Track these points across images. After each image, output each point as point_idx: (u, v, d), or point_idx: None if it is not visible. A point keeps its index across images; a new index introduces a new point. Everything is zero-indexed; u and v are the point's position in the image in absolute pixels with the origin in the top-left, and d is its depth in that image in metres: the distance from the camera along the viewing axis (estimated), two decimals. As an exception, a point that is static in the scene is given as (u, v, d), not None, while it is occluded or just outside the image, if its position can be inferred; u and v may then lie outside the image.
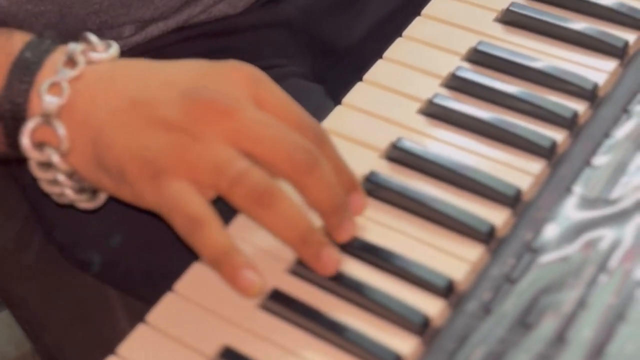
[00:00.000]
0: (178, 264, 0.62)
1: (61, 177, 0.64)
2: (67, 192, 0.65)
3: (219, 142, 0.59)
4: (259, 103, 0.60)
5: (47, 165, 0.64)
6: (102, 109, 0.61)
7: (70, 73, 0.63)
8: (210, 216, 0.59)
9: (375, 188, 0.65)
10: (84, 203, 0.67)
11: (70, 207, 0.68)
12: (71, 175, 0.64)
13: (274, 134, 0.59)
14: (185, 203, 0.59)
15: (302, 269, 0.61)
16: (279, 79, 0.86)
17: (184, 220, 0.59)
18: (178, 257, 0.64)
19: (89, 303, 0.88)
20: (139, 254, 0.81)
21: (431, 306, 0.59)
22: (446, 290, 0.60)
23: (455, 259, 0.62)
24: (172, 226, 0.60)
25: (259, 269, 0.59)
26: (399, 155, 0.67)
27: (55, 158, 0.63)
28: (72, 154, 0.63)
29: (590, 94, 0.69)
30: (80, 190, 0.65)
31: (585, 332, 0.57)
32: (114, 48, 0.65)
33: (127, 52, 0.84)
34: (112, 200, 0.67)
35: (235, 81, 0.60)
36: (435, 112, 0.69)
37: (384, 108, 0.70)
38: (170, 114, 0.59)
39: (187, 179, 0.59)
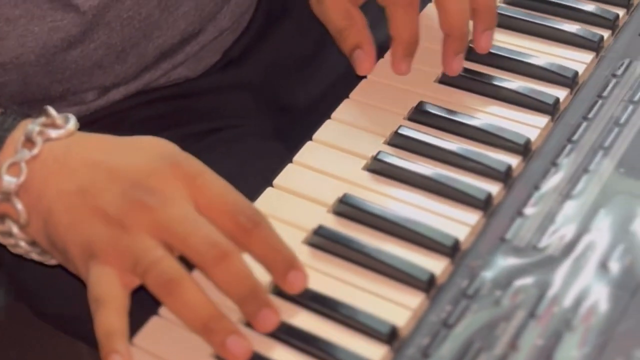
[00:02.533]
0: (144, 318, 0.66)
1: (22, 244, 0.69)
2: (32, 255, 0.70)
3: (143, 234, 0.64)
4: (193, 196, 0.65)
5: (9, 234, 0.68)
6: (53, 189, 0.66)
7: (28, 154, 0.67)
8: (111, 300, 0.63)
9: (323, 241, 0.68)
10: (50, 261, 0.71)
11: (39, 263, 0.72)
12: (32, 242, 0.69)
13: (186, 230, 0.64)
14: (97, 284, 0.64)
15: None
16: (238, 139, 0.90)
17: (91, 299, 0.64)
18: (144, 312, 0.66)
19: (61, 357, 0.91)
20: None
21: (374, 352, 0.62)
22: (389, 337, 0.63)
23: (398, 306, 0.65)
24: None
25: None
26: (346, 210, 0.70)
27: (15, 229, 0.68)
28: (30, 226, 0.68)
29: (523, 149, 0.73)
30: (43, 252, 0.70)
31: (515, 372, 0.60)
32: (72, 122, 0.69)
33: (90, 116, 0.87)
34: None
35: (173, 179, 0.65)
36: (379, 169, 0.73)
37: (331, 165, 0.74)
38: (109, 207, 0.64)
39: (112, 265, 0.64)
